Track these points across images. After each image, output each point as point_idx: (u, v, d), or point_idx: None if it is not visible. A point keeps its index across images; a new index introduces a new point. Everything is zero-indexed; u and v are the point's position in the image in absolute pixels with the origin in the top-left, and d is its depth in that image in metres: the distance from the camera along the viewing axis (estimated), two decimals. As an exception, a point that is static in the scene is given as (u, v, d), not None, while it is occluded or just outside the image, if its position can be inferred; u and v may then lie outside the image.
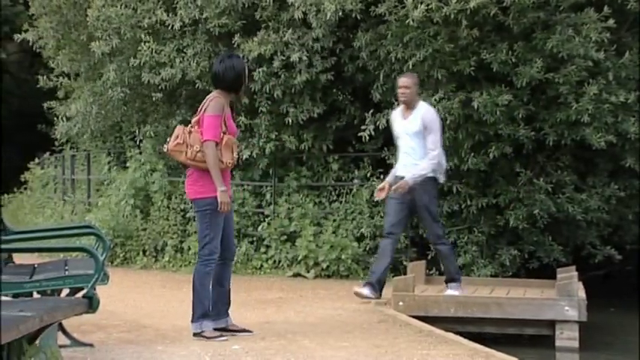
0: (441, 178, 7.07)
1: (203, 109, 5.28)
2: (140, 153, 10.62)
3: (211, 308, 5.40)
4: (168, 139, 5.43)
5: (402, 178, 6.84)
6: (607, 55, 8.40)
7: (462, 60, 8.48)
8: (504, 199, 8.99)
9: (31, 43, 11.47)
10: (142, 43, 9.33)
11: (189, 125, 5.35)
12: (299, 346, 5.16)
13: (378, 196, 7.04)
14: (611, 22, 8.28)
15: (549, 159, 9.19)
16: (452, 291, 7.09)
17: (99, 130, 11.47)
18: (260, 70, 9.04)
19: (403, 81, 6.98)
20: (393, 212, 6.98)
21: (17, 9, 18.27)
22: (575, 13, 8.47)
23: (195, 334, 5.35)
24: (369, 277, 7.24)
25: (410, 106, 6.93)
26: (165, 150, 5.38)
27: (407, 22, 8.05)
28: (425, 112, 6.89)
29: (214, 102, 5.26)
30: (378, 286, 7.03)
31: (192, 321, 5.38)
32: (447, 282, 7.19)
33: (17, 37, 11.52)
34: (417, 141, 6.85)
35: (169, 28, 9.37)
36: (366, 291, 7.01)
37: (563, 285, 6.88)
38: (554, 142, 8.71)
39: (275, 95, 9.19)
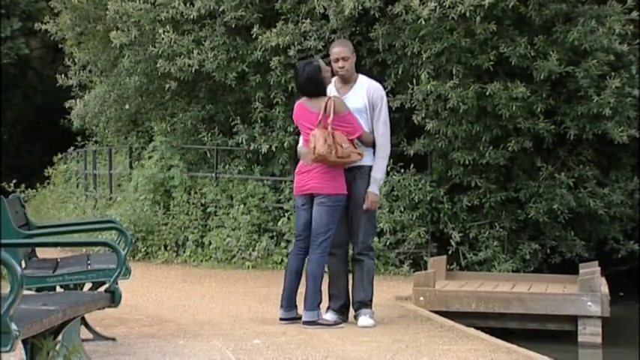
0: None
1: (331, 110, 5.47)
2: (153, 150, 10.69)
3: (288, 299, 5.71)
4: (302, 147, 5.65)
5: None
6: (630, 49, 8.31)
7: (481, 54, 8.43)
8: (525, 194, 8.95)
9: (51, 35, 11.60)
10: (162, 33, 9.36)
11: (329, 127, 5.45)
12: (319, 341, 5.16)
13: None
14: (634, 14, 8.19)
15: (571, 153, 9.13)
16: (368, 319, 5.65)
17: (114, 118, 11.57)
18: (276, 58, 9.05)
19: (340, 51, 5.61)
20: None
21: (40, 5, 18.43)
22: (598, 5, 8.38)
23: (308, 322, 5.52)
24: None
25: (348, 79, 5.69)
26: (312, 156, 5.45)
27: (419, 21, 8.00)
28: (370, 87, 5.65)
29: (339, 101, 5.55)
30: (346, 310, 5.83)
31: (306, 309, 5.54)
32: (360, 308, 5.69)
33: (37, 26, 11.64)
34: (359, 121, 5.59)
35: (187, 19, 9.40)
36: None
37: (585, 280, 6.83)
38: (575, 136, 8.65)
39: (290, 87, 9.20)
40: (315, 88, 5.58)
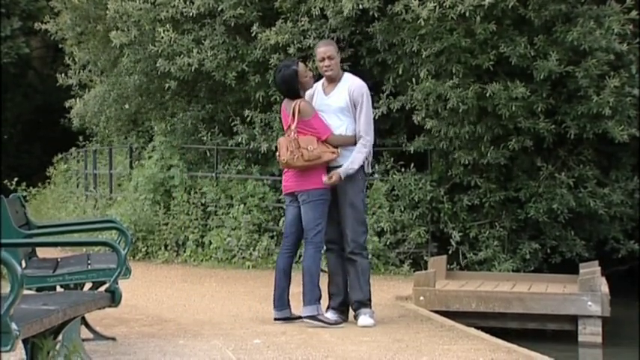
0: (369, 168, 5.82)
1: (297, 114, 5.52)
2: (153, 149, 10.69)
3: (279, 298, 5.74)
4: (277, 154, 5.72)
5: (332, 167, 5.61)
6: (630, 48, 8.31)
7: (481, 54, 8.43)
8: (525, 194, 8.95)
9: (51, 35, 11.61)
10: (162, 32, 9.35)
11: (292, 133, 5.53)
12: (320, 341, 5.17)
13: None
14: (634, 13, 8.19)
15: (571, 153, 9.13)
16: (368, 319, 5.65)
17: (114, 118, 11.58)
18: (275, 56, 9.04)
19: (325, 50, 5.66)
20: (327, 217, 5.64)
21: (40, 4, 18.44)
22: (598, 5, 8.38)
23: (308, 317, 5.56)
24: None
25: (334, 78, 5.71)
26: (282, 163, 5.63)
27: (419, 21, 8.00)
28: (352, 84, 5.67)
29: (305, 105, 5.61)
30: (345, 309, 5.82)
31: (305, 304, 5.59)
32: (359, 307, 5.68)
33: (37, 25, 11.64)
34: (342, 119, 5.62)
35: (187, 17, 9.39)
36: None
37: (585, 280, 6.83)
38: (575, 135, 8.65)
39: None
40: (286, 91, 5.71)
